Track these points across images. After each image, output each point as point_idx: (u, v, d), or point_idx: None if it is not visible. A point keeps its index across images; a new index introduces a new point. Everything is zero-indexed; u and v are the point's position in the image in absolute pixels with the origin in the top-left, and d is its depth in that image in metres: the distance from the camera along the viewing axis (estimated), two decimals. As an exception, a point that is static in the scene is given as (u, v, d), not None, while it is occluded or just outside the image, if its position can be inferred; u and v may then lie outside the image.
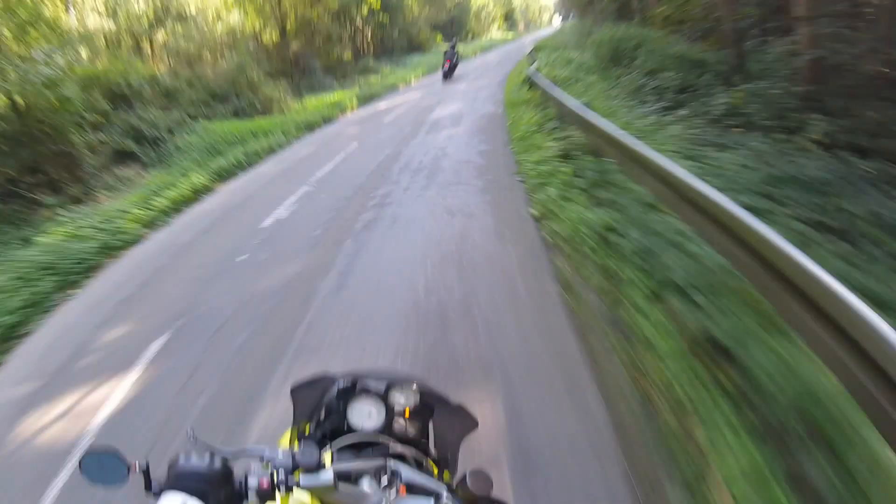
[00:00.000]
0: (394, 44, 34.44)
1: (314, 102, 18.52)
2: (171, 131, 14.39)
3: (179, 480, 1.00)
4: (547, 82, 9.65)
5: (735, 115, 9.31)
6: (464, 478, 1.09)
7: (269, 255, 5.84)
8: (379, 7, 32.94)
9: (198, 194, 9.75)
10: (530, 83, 11.80)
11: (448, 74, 20.16)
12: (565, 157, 7.05)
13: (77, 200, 10.84)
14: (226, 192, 9.73)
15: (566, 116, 7.92)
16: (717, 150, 6.97)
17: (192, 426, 1.52)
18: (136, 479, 1.05)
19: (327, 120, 15.64)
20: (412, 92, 18.99)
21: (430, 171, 7.93)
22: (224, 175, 10.84)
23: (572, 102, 7.33)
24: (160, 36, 20.57)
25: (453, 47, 21.50)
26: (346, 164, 9.49)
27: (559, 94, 8.47)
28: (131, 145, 13.25)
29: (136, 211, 8.71)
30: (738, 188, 5.37)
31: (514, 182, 6.89)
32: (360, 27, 32.99)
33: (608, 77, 13.79)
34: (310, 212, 7.11)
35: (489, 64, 25.19)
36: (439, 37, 42.87)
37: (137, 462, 1.05)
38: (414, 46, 36.35)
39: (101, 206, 10.18)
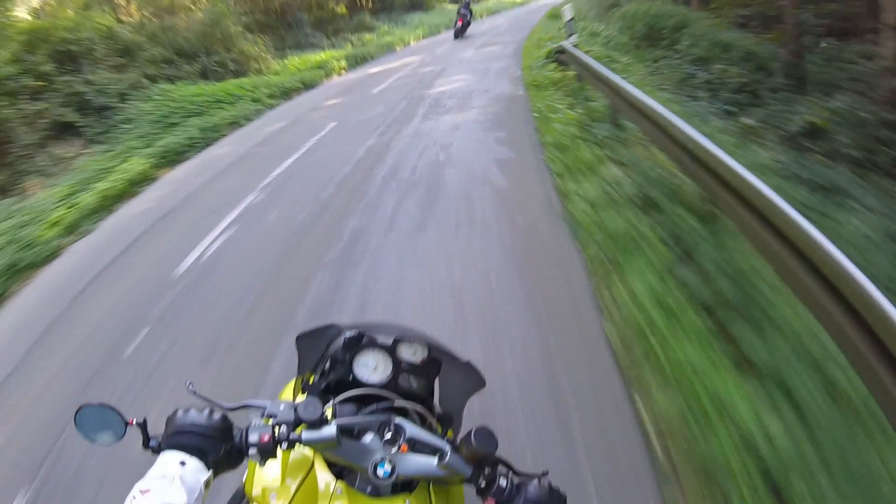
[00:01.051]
0: (391, 1, 31.55)
1: (297, 62, 16.12)
2: (123, 97, 12.00)
3: (178, 436, 0.97)
4: (593, 62, 7.11)
5: (814, 137, 7.36)
6: (468, 435, 1.04)
7: (159, 356, 3.56)
8: (380, -44, 30.05)
9: (134, 186, 7.69)
10: (557, 60, 9.67)
11: (460, 32, 19.72)
12: (646, 204, 4.33)
13: (1, 191, 8.70)
14: (165, 186, 7.65)
15: (632, 120, 5.49)
16: (830, 199, 4.95)
17: (191, 381, 1.12)
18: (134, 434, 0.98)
19: (308, 85, 13.35)
20: (411, 56, 16.62)
21: (427, 192, 5.53)
22: (171, 158, 8.70)
23: (648, 101, 4.85)
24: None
25: (467, 5, 20.72)
26: (316, 157, 7.39)
27: (617, 80, 5.76)
28: (74, 116, 10.91)
29: (58, 212, 6.72)
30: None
31: (564, 244, 4.13)
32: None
33: (644, 59, 11.61)
34: (242, 254, 4.87)
35: (499, 29, 22.66)
36: (444, -5, 39.80)
37: (134, 418, 1.00)
38: (416, 3, 33.39)
39: (29, 198, 8.05)
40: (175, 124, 10.47)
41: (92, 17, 13.61)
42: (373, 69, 14.78)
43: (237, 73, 15.25)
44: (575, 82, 8.47)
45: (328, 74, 14.56)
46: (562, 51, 9.07)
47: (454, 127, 7.75)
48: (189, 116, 10.84)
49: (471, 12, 21.11)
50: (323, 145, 7.80)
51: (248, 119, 10.53)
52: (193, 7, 17.95)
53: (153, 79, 13.38)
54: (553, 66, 9.95)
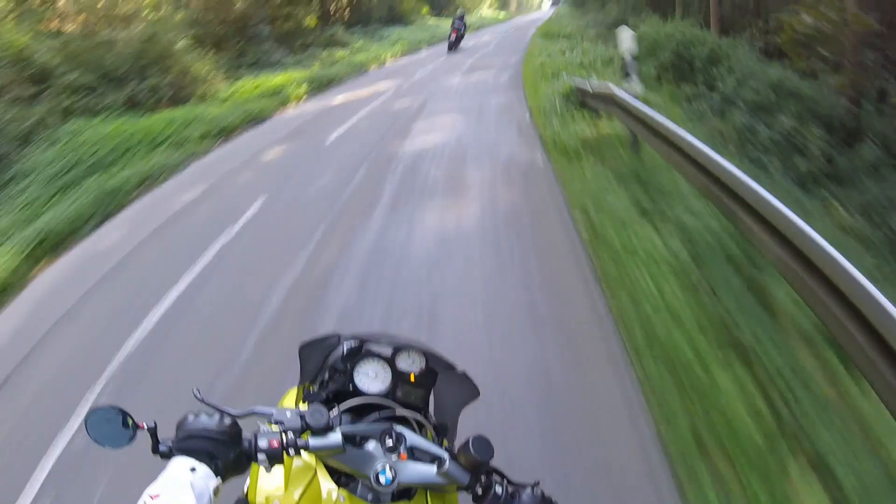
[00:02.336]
0: (371, 11, 29.07)
1: (251, 86, 13.47)
2: (24, 140, 9.27)
3: (189, 440, 0.97)
4: (680, 132, 4.35)
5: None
6: (466, 443, 1.07)
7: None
8: (357, -36, 27.60)
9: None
10: (582, 101, 7.37)
11: (454, 45, 20.04)
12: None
13: None
14: (24, 308, 4.84)
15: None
16: None
17: (197, 387, 1.12)
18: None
19: (256, 119, 10.70)
20: (385, 80, 14.08)
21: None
22: (49, 246, 5.92)
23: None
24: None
25: (461, 18, 21.49)
26: (215, 287, 4.43)
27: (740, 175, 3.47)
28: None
29: None
30: None
31: None
32: (334, -13, 27.59)
33: (676, 98, 9.28)
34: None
35: (486, 48, 20.28)
36: (426, 8, 37.53)
37: (145, 422, 0.99)
38: (395, 17, 31.01)
39: None
40: (73, 185, 7.80)
41: (5, 33, 10.90)
42: (337, 98, 12.20)
43: (175, 100, 12.56)
44: (622, 146, 5.95)
45: (283, 104, 11.95)
46: (598, 96, 6.64)
47: (439, 239, 4.67)
48: (94, 171, 8.17)
49: (465, 25, 21.35)
50: (229, 256, 4.85)
51: (163, 175, 7.80)
52: (135, 17, 15.25)
53: (69, 111, 10.70)
54: (574, 108, 7.61)
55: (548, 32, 20.51)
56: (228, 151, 8.76)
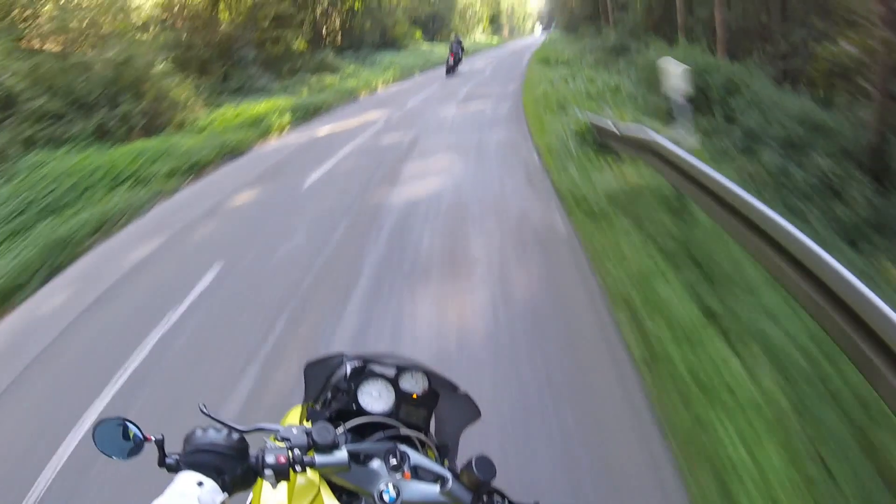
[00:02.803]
0: (363, 36, 28.48)
1: (231, 114, 12.59)
2: None
3: (197, 454, 0.97)
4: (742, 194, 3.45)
5: None
6: (469, 463, 1.06)
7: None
8: (350, -13, 27.05)
9: None
10: (600, 141, 6.45)
11: (452, 69, 20.21)
12: None
13: None
14: None
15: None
16: None
17: (203, 402, 1.11)
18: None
19: (232, 153, 9.76)
20: (375, 109, 13.25)
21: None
22: None
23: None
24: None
25: (458, 42, 21.69)
26: (137, 411, 3.41)
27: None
28: None
29: None
30: None
31: None
32: (327, 10, 27.02)
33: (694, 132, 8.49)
34: None
35: (482, 75, 19.60)
36: (419, 33, 37.14)
37: (153, 435, 1.00)
38: (387, 41, 30.46)
39: None
40: (22, 231, 6.81)
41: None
42: (322, 129, 11.31)
43: (149, 129, 11.66)
44: (661, 205, 4.84)
45: (264, 135, 11.05)
46: (629, 141, 5.65)
47: (436, 355, 3.30)
48: (48, 213, 7.21)
49: (462, 49, 21.59)
50: (165, 359, 3.63)
51: (121, 222, 6.80)
52: (117, 37, 14.37)
53: (32, 141, 9.78)
54: (591, 150, 6.65)
55: (545, 58, 19.93)
56: (195, 193, 7.76)
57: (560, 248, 4.69)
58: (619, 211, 4.86)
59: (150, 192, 7.80)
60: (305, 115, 12.97)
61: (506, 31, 70.65)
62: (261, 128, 11.18)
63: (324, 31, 26.35)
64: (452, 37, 26.02)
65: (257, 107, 12.92)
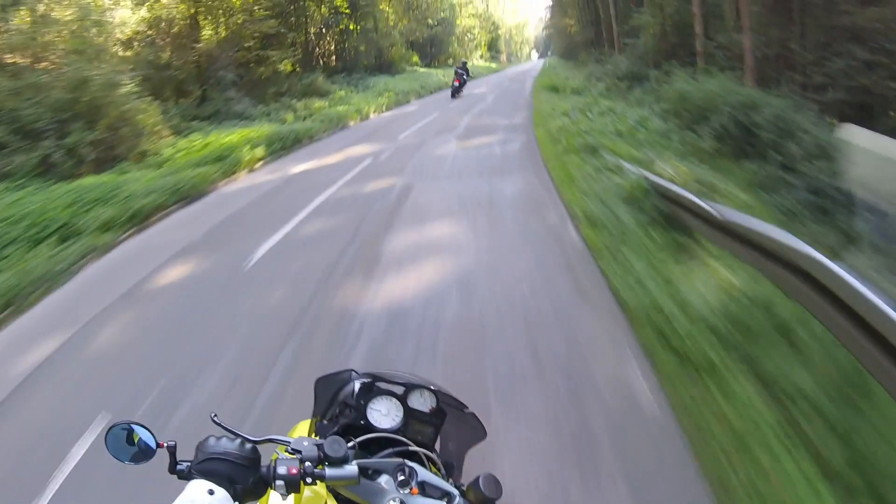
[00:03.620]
0: (358, 58, 27.20)
1: (199, 145, 11.03)
2: None
3: (209, 462, 0.97)
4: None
5: None
6: (476, 481, 1.08)
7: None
8: (345, 7, 25.74)
9: None
10: (665, 212, 4.73)
11: (457, 92, 21.06)
12: None
13: None
14: None
15: None
16: None
17: (215, 412, 1.11)
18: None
19: (184, 198, 8.02)
20: (363, 143, 11.69)
21: None
22: None
23: None
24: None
25: (463, 66, 22.74)
26: None
27: None
28: None
29: None
30: None
31: None
32: (320, 30, 25.75)
33: (743, 182, 6.97)
34: None
35: (484, 103, 18.14)
36: (416, 56, 36.02)
37: (165, 441, 0.99)
38: (383, 65, 29.20)
39: None
40: None
41: None
42: (298, 166, 9.73)
43: (102, 162, 10.11)
44: (792, 345, 2.90)
45: (230, 172, 9.40)
46: (727, 229, 3.77)
47: None
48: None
49: (467, 72, 22.56)
50: None
51: (13, 308, 5.08)
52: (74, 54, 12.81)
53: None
54: (653, 223, 4.92)
55: (552, 85, 18.55)
56: (126, 256, 6.04)
57: (647, 448, 2.57)
58: (733, 357, 2.89)
59: (72, 254, 6.13)
60: (284, 146, 11.42)
61: (503, 57, 70.09)
62: (227, 163, 9.57)
63: (315, 52, 25.05)
64: (459, 62, 27.61)
65: (230, 136, 11.38)
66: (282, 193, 7.98)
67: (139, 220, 7.18)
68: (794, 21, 12.13)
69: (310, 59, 24.61)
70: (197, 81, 16.50)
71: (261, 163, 10.29)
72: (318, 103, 18.11)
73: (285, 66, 18.69)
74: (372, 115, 17.09)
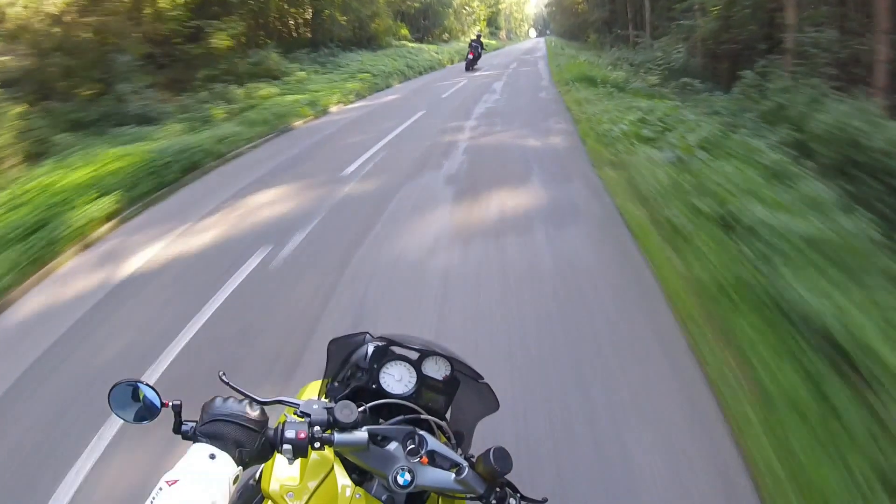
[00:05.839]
0: (331, 31, 22.30)
1: (47, 181, 6.50)
2: None
3: (215, 424, 0.94)
4: None
5: None
6: (486, 453, 1.03)
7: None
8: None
9: None
10: None
11: (471, 64, 21.31)
12: None
13: None
14: None
15: None
16: None
17: (223, 371, 1.07)
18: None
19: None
20: (290, 170, 7.38)
21: None
22: None
23: None
24: None
25: (478, 38, 22.90)
26: None
27: None
28: None
29: None
30: None
31: None
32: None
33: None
34: None
35: (489, 95, 13.45)
36: (405, 30, 31.05)
37: (170, 400, 0.97)
38: (362, 39, 24.28)
39: None
40: None
41: None
42: (133, 263, 4.84)
43: None
44: None
45: (79, 236, 4.95)
46: None
47: None
48: None
49: (482, 45, 22.75)
50: None
51: None
52: None
53: None
54: None
55: (584, 76, 13.49)
56: None
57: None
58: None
59: None
60: (159, 184, 6.81)
61: (503, 34, 65.06)
62: (44, 236, 5.06)
63: (273, 22, 20.14)
64: (473, 35, 28.02)
65: (84, 169, 6.80)
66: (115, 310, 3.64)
67: None
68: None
69: (263, 28, 19.81)
70: (95, 69, 11.77)
71: (107, 227, 5.74)
72: (265, 90, 13.49)
73: (221, 41, 13.86)
74: (333, 109, 12.48)
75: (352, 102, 13.51)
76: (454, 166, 7.18)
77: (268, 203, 6.08)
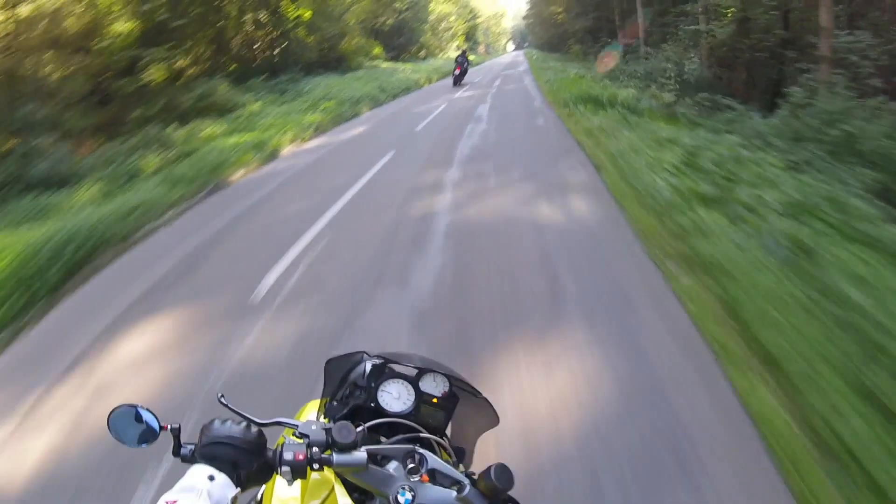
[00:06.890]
0: (296, 52, 20.43)
1: None
2: None
3: (214, 447, 0.94)
4: None
5: None
6: (487, 471, 1.00)
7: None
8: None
9: None
10: None
11: (458, 79, 21.43)
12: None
13: None
14: None
15: None
16: None
17: (222, 392, 1.05)
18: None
19: None
20: (218, 249, 5.48)
21: None
22: None
23: None
24: None
25: (464, 54, 22.87)
26: None
27: None
28: None
29: None
30: None
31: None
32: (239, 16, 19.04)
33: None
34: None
35: (476, 123, 11.51)
36: (378, 48, 29.36)
37: (169, 423, 0.96)
38: (330, 61, 22.42)
39: None
40: None
41: None
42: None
43: None
44: None
45: None
46: None
47: None
48: None
49: (468, 61, 23.02)
50: None
51: None
52: None
53: None
54: None
55: (585, 95, 11.49)
56: None
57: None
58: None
59: None
60: (27, 303, 4.58)
61: (482, 48, 63.77)
62: None
63: (228, 45, 18.26)
64: (458, 52, 28.54)
65: None
66: None
67: None
68: None
69: (225, 50, 17.96)
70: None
71: None
72: (209, 129, 11.56)
73: (157, 74, 11.94)
74: (284, 151, 10.53)
75: (309, 140, 11.58)
76: (428, 280, 4.32)
77: (132, 366, 3.54)
